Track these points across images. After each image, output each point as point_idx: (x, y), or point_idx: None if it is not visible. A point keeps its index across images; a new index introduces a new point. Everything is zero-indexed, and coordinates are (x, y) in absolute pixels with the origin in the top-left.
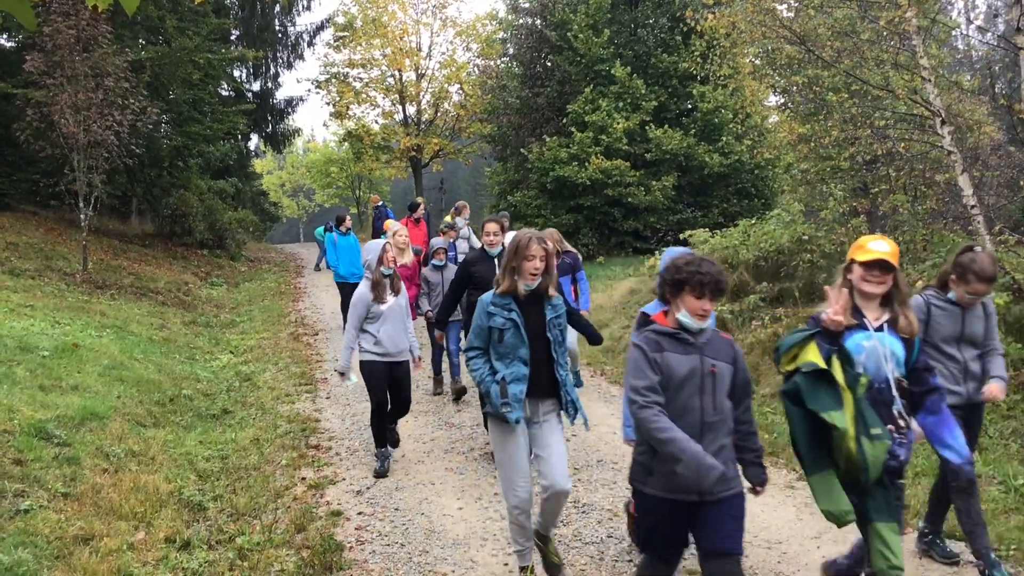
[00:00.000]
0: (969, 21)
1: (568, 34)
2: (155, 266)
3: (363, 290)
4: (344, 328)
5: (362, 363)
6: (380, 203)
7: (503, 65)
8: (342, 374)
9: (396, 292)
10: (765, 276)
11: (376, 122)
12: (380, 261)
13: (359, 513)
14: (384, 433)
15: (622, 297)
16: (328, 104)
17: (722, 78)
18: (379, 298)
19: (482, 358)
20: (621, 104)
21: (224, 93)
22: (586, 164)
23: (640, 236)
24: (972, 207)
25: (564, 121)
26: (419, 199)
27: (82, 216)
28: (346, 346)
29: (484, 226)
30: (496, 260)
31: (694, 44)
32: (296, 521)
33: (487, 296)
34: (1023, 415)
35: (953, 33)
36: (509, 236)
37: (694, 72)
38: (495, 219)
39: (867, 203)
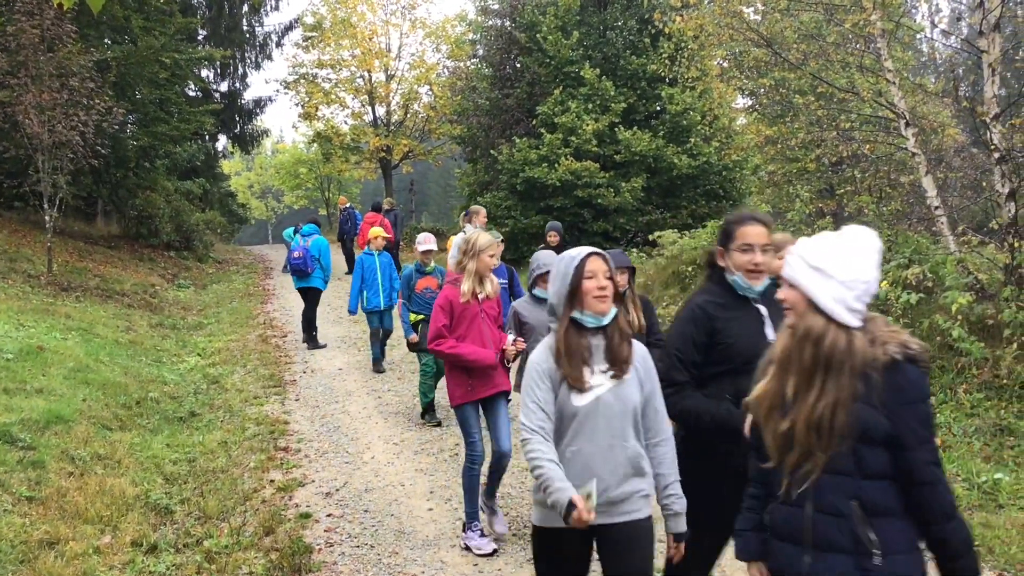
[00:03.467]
0: (933, 25)
1: (537, 36)
2: (121, 268)
3: (541, 358)
4: (305, 340)
5: (537, 529)
6: (348, 205)
7: (472, 66)
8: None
9: (619, 368)
10: None
11: (345, 123)
12: (574, 296)
13: (328, 515)
14: None
15: None
16: (297, 105)
17: (690, 80)
18: (575, 380)
19: None
20: (590, 106)
21: (191, 93)
22: (556, 165)
23: (610, 237)
24: (936, 208)
25: (534, 122)
26: (387, 200)
27: (47, 217)
28: (542, 459)
29: (738, 231)
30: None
31: (662, 46)
32: (265, 523)
33: None
34: (986, 413)
35: (918, 36)
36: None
37: (662, 74)
38: (761, 218)
39: (833, 204)
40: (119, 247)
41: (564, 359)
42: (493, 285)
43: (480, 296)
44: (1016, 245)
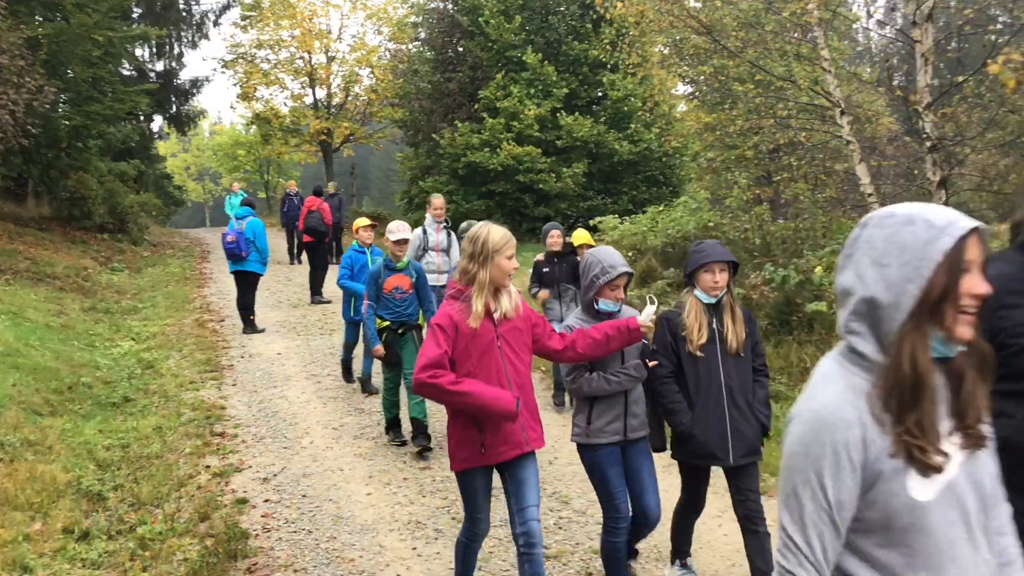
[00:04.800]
0: (869, 15)
1: (480, 19)
2: (53, 250)
3: (841, 407)
4: (246, 324)
5: None
6: (296, 190)
7: (415, 49)
8: None
9: (974, 431)
10: (672, 262)
11: (285, 105)
12: (943, 300)
13: (266, 501)
14: None
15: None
16: (235, 85)
17: (631, 67)
18: (928, 452)
19: None
20: (532, 91)
21: (126, 72)
22: (498, 150)
23: (548, 220)
24: (869, 195)
25: (476, 107)
26: (331, 184)
27: None
28: None
29: None
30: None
31: (604, 32)
32: (200, 510)
33: None
34: None
35: (854, 26)
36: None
37: (604, 60)
38: None
39: (770, 191)
40: (51, 229)
41: (912, 408)
42: (513, 299)
43: (496, 315)
44: None
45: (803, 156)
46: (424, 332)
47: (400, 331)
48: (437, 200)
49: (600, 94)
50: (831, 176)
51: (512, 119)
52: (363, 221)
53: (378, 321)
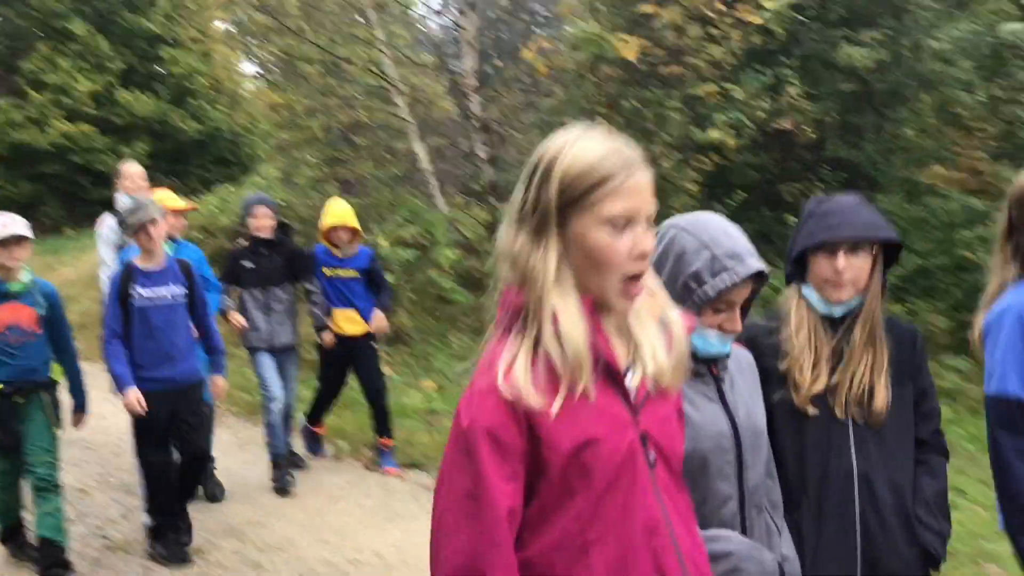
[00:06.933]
0: (424, 4)
1: None
2: None
3: None
4: None
5: None
6: None
7: None
8: None
9: None
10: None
11: None
12: None
13: None
14: None
15: (90, 269)
16: None
17: (191, 41)
18: None
19: None
20: (84, 64)
21: None
22: (47, 128)
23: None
24: (430, 172)
25: (18, 80)
26: None
27: None
28: None
29: None
30: None
31: (159, 4)
32: None
33: None
34: (472, 354)
35: (410, 13)
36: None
37: (160, 34)
38: None
39: (342, 170)
40: None
41: None
42: (675, 334)
43: (633, 381)
44: (496, 205)
45: (369, 136)
46: (57, 392)
47: (18, 397)
48: (133, 169)
49: (162, 70)
50: (395, 155)
51: (62, 94)
52: (169, 199)
53: None
